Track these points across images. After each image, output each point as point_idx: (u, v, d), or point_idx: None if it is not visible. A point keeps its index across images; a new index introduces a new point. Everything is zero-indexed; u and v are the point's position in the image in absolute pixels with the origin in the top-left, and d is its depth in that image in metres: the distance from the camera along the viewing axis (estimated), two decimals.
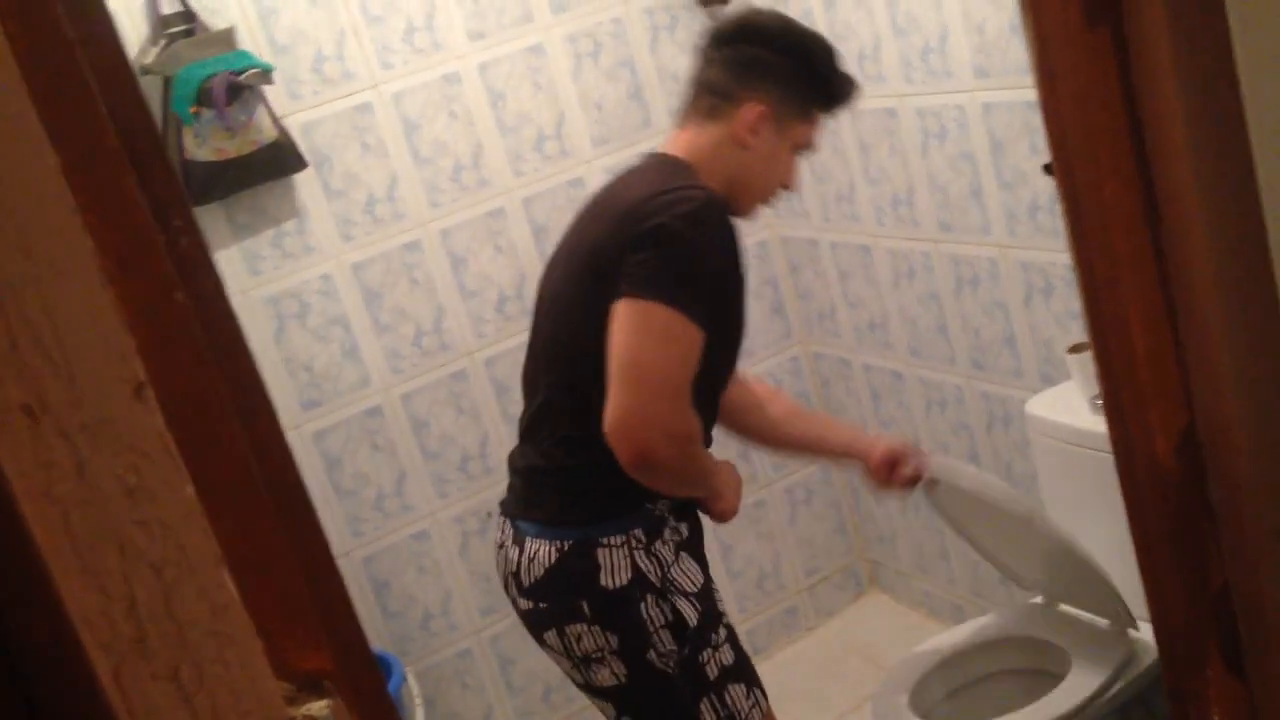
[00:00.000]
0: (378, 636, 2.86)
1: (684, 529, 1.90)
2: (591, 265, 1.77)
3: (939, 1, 2.41)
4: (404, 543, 2.88)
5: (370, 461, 2.82)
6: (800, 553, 3.41)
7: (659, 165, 1.87)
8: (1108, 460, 1.35)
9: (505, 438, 2.92)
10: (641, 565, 1.81)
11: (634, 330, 1.67)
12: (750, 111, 1.83)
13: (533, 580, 1.84)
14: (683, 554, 1.87)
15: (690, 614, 1.83)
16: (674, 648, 1.82)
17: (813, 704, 3.10)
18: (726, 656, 1.88)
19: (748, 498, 3.29)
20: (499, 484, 2.95)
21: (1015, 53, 2.27)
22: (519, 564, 1.86)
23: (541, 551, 1.83)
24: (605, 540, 1.80)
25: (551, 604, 1.84)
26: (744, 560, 3.31)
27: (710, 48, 1.90)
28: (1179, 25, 1.00)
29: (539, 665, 3.02)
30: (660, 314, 1.66)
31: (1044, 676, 2.23)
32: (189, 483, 0.61)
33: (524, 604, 1.88)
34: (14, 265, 0.56)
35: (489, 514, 2.93)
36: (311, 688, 0.77)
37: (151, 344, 0.66)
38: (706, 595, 1.89)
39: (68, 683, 0.59)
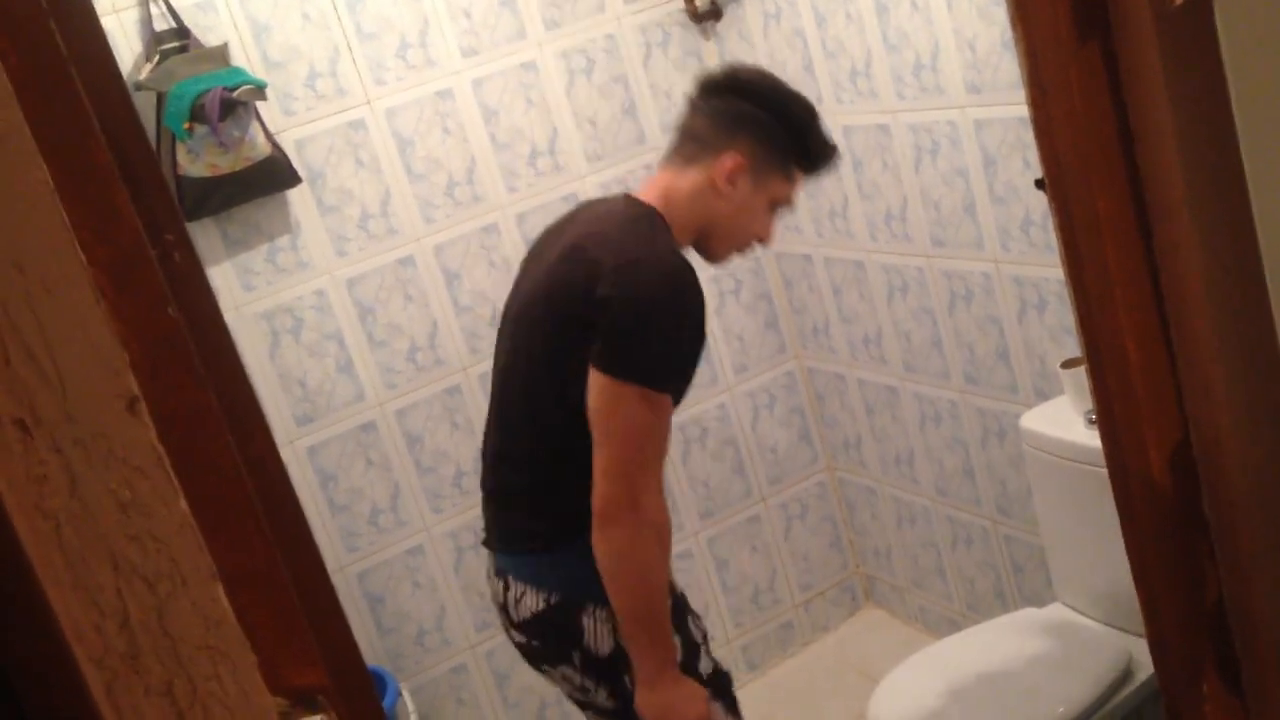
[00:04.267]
0: (372, 652, 2.85)
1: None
2: (562, 324, 1.78)
3: (930, 18, 2.42)
4: (398, 558, 2.88)
5: (364, 477, 2.82)
6: (795, 568, 3.40)
7: (630, 216, 1.87)
8: (1102, 475, 1.35)
9: None
10: (622, 642, 1.83)
11: (615, 413, 1.72)
12: (729, 161, 1.86)
13: (521, 619, 1.88)
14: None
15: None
16: None
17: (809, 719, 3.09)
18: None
19: (743, 513, 3.31)
20: None
21: (1007, 69, 2.28)
22: (505, 598, 1.90)
23: (528, 598, 1.87)
24: (589, 608, 1.82)
25: (544, 645, 1.89)
26: (739, 576, 3.30)
27: (698, 97, 1.94)
28: (1168, 40, 1.00)
29: (534, 681, 3.01)
30: (640, 396, 1.71)
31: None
32: (182, 497, 0.61)
33: (517, 636, 1.92)
34: (7, 280, 0.56)
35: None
36: (305, 703, 0.76)
37: (144, 359, 0.66)
38: (682, 625, 1.89)
39: (60, 698, 0.59)
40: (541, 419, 1.84)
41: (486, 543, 2.00)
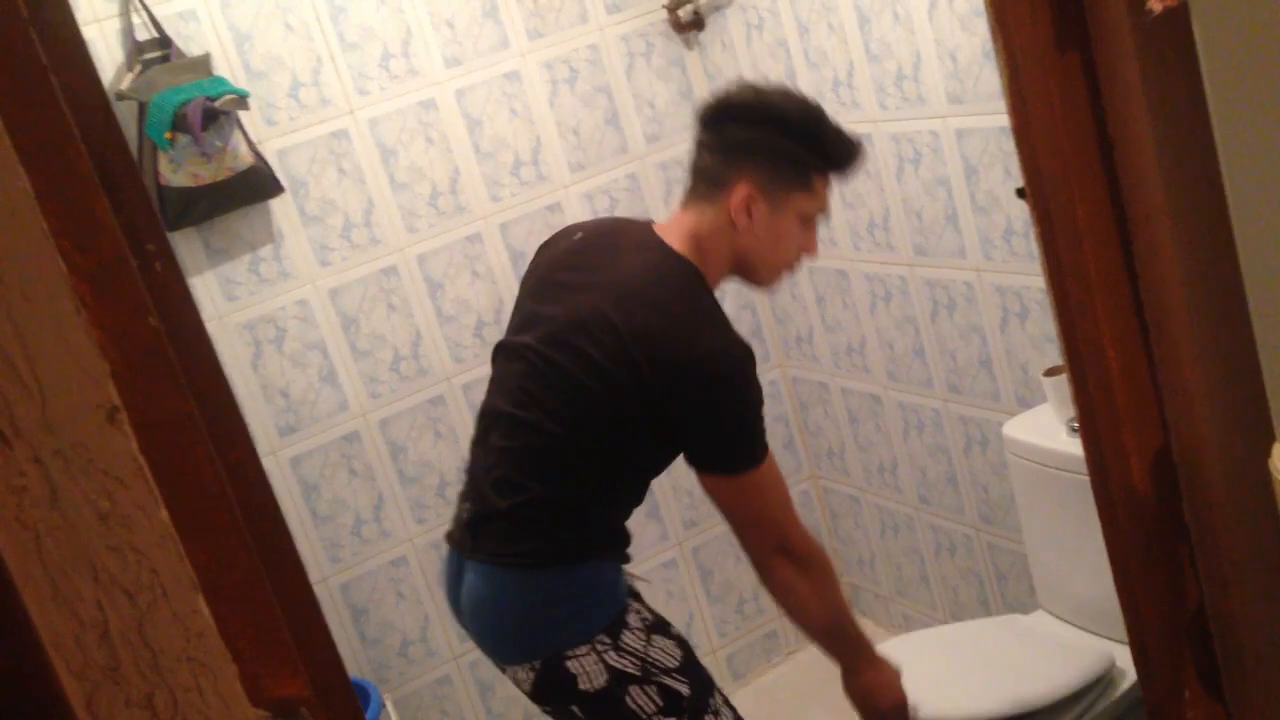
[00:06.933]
0: (355, 664, 2.84)
1: (646, 611, 1.91)
2: (613, 391, 1.76)
3: (912, 29, 2.43)
4: (382, 569, 2.87)
5: (348, 487, 2.81)
6: None
7: (674, 282, 1.80)
8: (1084, 482, 1.35)
9: None
10: (615, 664, 1.82)
11: (746, 500, 1.83)
12: (738, 193, 1.80)
13: (527, 692, 1.92)
14: (654, 636, 1.87)
15: (681, 688, 1.85)
16: None
17: None
18: None
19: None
20: None
21: (988, 79, 2.29)
22: (522, 688, 1.93)
23: (521, 674, 1.89)
24: (570, 653, 1.81)
25: (552, 707, 1.92)
26: (723, 585, 3.30)
27: (699, 132, 1.88)
28: (1147, 49, 1.01)
29: (518, 692, 3.00)
30: (757, 475, 1.80)
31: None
32: (163, 508, 0.61)
33: (541, 707, 1.95)
34: None
35: None
36: (287, 715, 0.76)
37: (125, 369, 0.65)
38: (691, 665, 1.89)
39: (39, 710, 0.58)
40: (576, 457, 1.83)
41: (457, 543, 1.97)
